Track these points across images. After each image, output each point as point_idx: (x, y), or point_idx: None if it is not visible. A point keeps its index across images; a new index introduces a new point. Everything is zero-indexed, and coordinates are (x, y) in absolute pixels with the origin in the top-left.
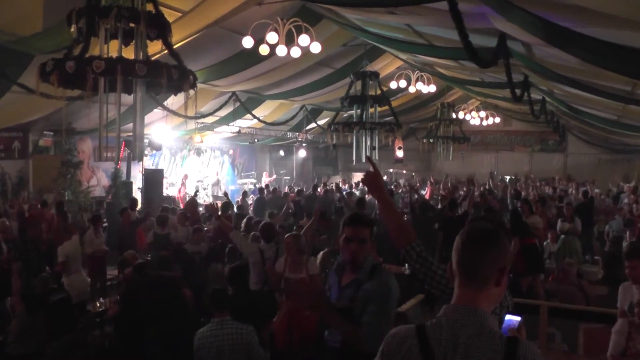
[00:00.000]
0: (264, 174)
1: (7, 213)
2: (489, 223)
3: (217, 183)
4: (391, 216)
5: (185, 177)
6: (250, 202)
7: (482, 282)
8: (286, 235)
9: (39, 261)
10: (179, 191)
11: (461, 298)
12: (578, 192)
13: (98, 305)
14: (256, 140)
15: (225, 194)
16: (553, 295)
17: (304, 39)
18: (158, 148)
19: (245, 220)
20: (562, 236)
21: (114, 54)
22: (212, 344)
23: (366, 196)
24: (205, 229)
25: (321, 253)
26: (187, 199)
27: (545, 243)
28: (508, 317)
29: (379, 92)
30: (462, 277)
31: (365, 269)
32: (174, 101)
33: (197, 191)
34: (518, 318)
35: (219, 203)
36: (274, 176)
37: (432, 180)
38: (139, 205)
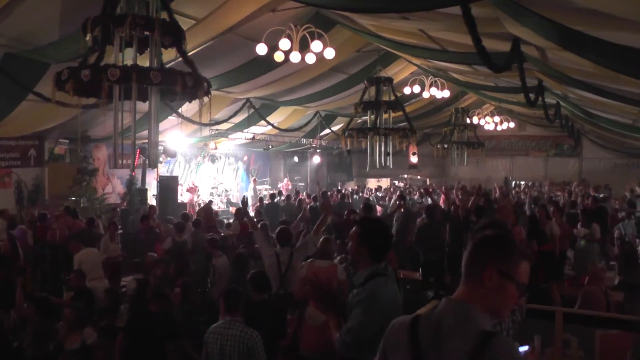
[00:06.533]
0: (285, 180)
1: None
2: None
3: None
4: None
5: (194, 189)
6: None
7: (473, 280)
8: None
9: (55, 266)
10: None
11: (457, 293)
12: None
13: None
14: (270, 146)
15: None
16: (571, 301)
17: (317, 45)
18: (173, 155)
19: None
20: (582, 243)
21: (128, 62)
22: (217, 341)
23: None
24: (222, 234)
25: (338, 257)
26: (199, 206)
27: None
28: None
29: (392, 97)
30: (462, 276)
31: (362, 275)
32: (189, 108)
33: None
34: (525, 348)
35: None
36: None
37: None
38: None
